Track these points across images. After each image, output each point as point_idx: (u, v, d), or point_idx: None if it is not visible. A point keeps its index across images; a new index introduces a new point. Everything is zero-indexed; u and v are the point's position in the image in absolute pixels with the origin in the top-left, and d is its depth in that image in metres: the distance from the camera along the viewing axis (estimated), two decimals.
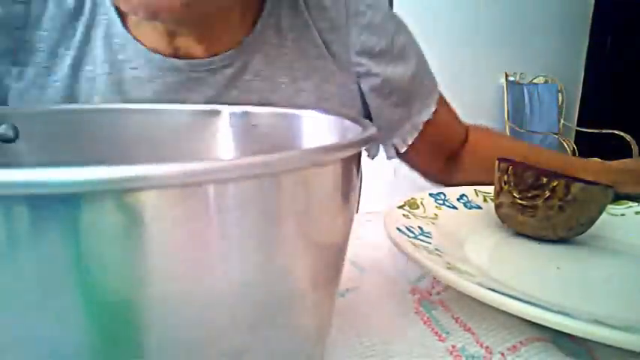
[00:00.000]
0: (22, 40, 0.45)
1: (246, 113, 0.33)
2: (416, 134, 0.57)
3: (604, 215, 0.43)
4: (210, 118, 0.33)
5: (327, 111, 0.29)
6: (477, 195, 0.46)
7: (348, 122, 0.26)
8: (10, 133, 0.29)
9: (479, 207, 0.45)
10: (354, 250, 0.38)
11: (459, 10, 2.47)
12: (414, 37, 0.56)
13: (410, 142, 0.57)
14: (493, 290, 0.26)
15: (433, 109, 0.57)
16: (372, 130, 0.21)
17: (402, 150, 0.58)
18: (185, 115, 0.33)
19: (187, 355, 0.16)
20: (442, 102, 0.59)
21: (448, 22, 2.47)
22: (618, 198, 0.45)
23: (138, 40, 0.46)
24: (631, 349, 0.22)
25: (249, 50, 0.48)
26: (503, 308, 0.25)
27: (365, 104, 0.56)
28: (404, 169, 0.64)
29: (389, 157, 0.60)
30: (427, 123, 0.57)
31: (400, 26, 0.54)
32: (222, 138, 0.33)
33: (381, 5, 0.52)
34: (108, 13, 0.46)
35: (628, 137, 2.18)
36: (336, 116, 0.27)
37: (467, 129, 0.64)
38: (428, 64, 0.58)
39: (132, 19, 0.46)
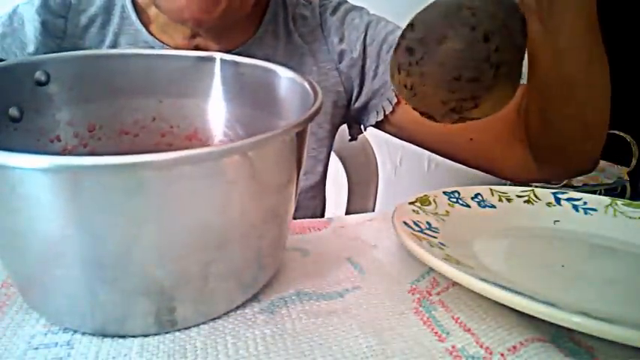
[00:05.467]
0: (62, 47, 0.54)
1: (235, 62, 0.39)
2: (395, 99, 0.59)
3: (621, 217, 0.43)
4: (205, 63, 0.40)
5: (297, 74, 0.36)
6: (493, 194, 0.46)
7: (307, 86, 0.33)
8: (43, 78, 0.34)
9: (493, 206, 0.45)
10: (354, 250, 0.38)
11: None
12: (380, 17, 0.62)
13: (392, 104, 0.59)
14: (485, 281, 0.26)
15: None
16: (310, 112, 0.28)
17: (388, 110, 0.59)
18: (186, 59, 0.40)
19: (178, 260, 0.25)
20: None
21: None
22: None
23: (163, 43, 0.55)
24: (630, 343, 0.22)
25: (253, 49, 0.57)
26: (492, 297, 0.26)
27: (348, 87, 0.62)
28: (405, 169, 0.64)
29: (376, 123, 0.62)
30: None
31: (362, 13, 0.62)
32: (216, 80, 0.40)
33: (341, 6, 0.62)
34: (134, 25, 0.55)
35: (628, 137, 2.18)
36: (300, 79, 0.35)
37: None
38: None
39: (155, 29, 0.55)
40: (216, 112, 0.41)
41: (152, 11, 0.54)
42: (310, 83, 0.34)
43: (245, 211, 0.26)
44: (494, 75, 0.30)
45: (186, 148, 0.39)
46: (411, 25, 0.31)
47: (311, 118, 0.28)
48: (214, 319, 0.29)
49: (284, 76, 0.37)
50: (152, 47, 0.54)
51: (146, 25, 0.55)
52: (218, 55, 0.39)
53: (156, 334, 0.27)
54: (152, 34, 0.55)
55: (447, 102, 0.31)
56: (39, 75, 0.34)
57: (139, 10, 0.55)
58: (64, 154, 0.36)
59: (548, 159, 0.54)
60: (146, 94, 0.39)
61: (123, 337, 0.27)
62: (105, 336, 0.27)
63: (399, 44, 0.31)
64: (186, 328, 0.28)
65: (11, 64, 0.34)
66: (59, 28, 0.54)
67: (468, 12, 0.29)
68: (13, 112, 0.33)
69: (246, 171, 0.25)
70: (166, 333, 0.27)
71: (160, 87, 0.39)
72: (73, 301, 0.26)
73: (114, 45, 0.55)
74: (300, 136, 0.28)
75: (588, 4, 0.43)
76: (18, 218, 0.23)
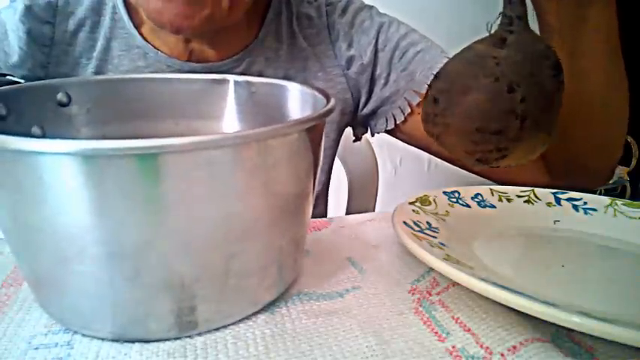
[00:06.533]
0: (51, 55, 0.51)
1: (247, 82, 0.41)
2: (408, 109, 0.56)
3: (621, 217, 0.43)
4: (219, 85, 0.41)
5: (306, 85, 0.38)
6: (493, 194, 0.46)
7: (318, 95, 0.34)
8: (65, 99, 0.36)
9: (493, 206, 0.45)
10: (354, 250, 0.38)
11: (458, 12, 2.46)
12: (391, 19, 0.59)
13: (405, 112, 0.57)
14: (485, 281, 0.26)
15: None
16: (324, 109, 0.29)
17: (400, 119, 0.57)
18: (200, 82, 0.41)
19: (199, 252, 0.25)
20: None
21: (447, 25, 2.46)
22: None
23: (157, 48, 0.52)
24: (630, 343, 0.22)
25: (254, 54, 0.55)
26: (492, 297, 0.26)
27: (355, 94, 0.59)
28: (405, 169, 0.64)
29: (387, 129, 0.60)
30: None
31: (372, 13, 0.59)
32: (230, 101, 0.41)
33: (350, 6, 0.59)
34: (125, 28, 0.52)
35: (628, 137, 2.18)
36: (310, 89, 0.37)
37: None
38: (418, 39, 0.57)
39: (147, 31, 0.53)
40: (229, 131, 0.41)
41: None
42: (321, 91, 0.34)
43: (264, 203, 0.26)
44: (521, 127, 0.28)
45: None
46: (437, 75, 0.31)
47: (325, 115, 0.29)
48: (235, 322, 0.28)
49: (295, 90, 0.39)
50: (145, 53, 0.52)
51: (139, 27, 0.52)
52: (232, 78, 0.41)
53: (177, 339, 0.27)
54: (145, 39, 0.52)
55: (471, 153, 0.30)
56: (61, 96, 0.36)
57: (130, 10, 0.52)
58: None
59: (563, 174, 0.53)
60: (162, 117, 0.41)
61: (145, 341, 0.27)
62: (126, 341, 0.27)
63: (426, 94, 0.31)
64: (208, 332, 0.27)
65: (35, 85, 0.35)
66: (46, 36, 0.51)
67: (492, 61, 0.28)
68: (36, 130, 0.35)
69: (262, 160, 0.25)
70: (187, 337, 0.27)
71: (176, 110, 0.41)
72: (92, 301, 0.25)
73: (105, 50, 0.52)
74: (315, 133, 0.29)
75: (611, 26, 0.43)
76: (41, 210, 0.23)
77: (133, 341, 0.26)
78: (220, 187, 0.24)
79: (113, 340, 0.27)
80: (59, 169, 0.22)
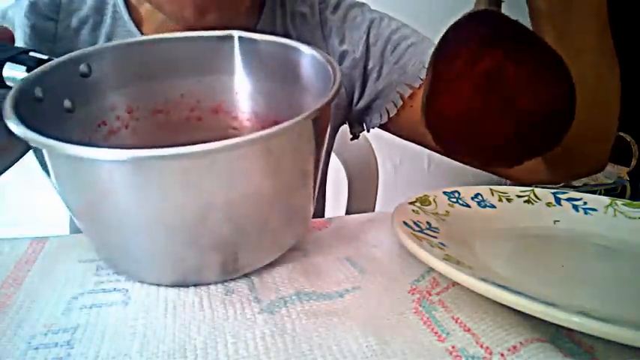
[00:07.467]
0: (54, 51, 0.52)
1: (252, 40, 0.42)
2: (401, 101, 0.57)
3: (621, 217, 0.43)
4: (225, 42, 0.43)
5: (311, 47, 0.39)
6: (493, 194, 0.46)
7: (322, 59, 0.37)
8: (86, 70, 0.39)
9: (493, 206, 0.45)
10: (354, 250, 0.38)
11: (456, 13, 2.46)
12: (382, 14, 0.60)
13: (397, 106, 0.57)
14: (485, 281, 0.26)
15: (423, 75, 0.55)
16: (334, 88, 0.32)
17: (393, 112, 0.58)
18: (207, 39, 0.43)
19: (239, 219, 0.30)
20: None
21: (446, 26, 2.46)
22: None
23: None
24: (630, 343, 0.22)
25: None
26: (492, 297, 0.26)
27: (349, 89, 0.60)
28: (405, 169, 0.64)
29: (381, 123, 0.60)
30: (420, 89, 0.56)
31: (364, 9, 0.60)
32: (236, 57, 0.44)
33: (342, 3, 0.60)
34: (126, 26, 0.53)
35: (628, 137, 2.18)
36: (317, 54, 0.38)
37: None
38: (409, 34, 0.58)
39: (148, 29, 0.53)
40: (238, 86, 0.45)
41: (144, 10, 0.53)
42: (324, 56, 0.37)
43: (285, 179, 0.31)
44: None
45: (214, 120, 0.46)
46: None
47: (333, 97, 0.31)
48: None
49: (300, 49, 0.40)
50: None
51: (139, 25, 0.53)
52: (236, 34, 0.43)
53: (225, 281, 0.33)
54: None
55: None
56: (83, 68, 0.38)
57: (131, 9, 0.53)
58: (110, 137, 0.42)
59: (558, 161, 0.53)
60: (173, 75, 0.43)
61: (195, 285, 0.32)
62: (186, 286, 0.32)
63: None
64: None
65: (60, 61, 0.37)
66: (49, 32, 0.52)
67: None
68: (67, 103, 0.37)
69: (284, 147, 0.30)
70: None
71: (186, 67, 0.43)
72: (159, 260, 0.31)
73: None
74: (324, 114, 0.32)
75: (602, 6, 0.43)
76: (112, 204, 0.28)
77: (189, 286, 0.32)
78: (251, 173, 0.29)
79: (174, 286, 0.32)
80: (119, 172, 0.27)
